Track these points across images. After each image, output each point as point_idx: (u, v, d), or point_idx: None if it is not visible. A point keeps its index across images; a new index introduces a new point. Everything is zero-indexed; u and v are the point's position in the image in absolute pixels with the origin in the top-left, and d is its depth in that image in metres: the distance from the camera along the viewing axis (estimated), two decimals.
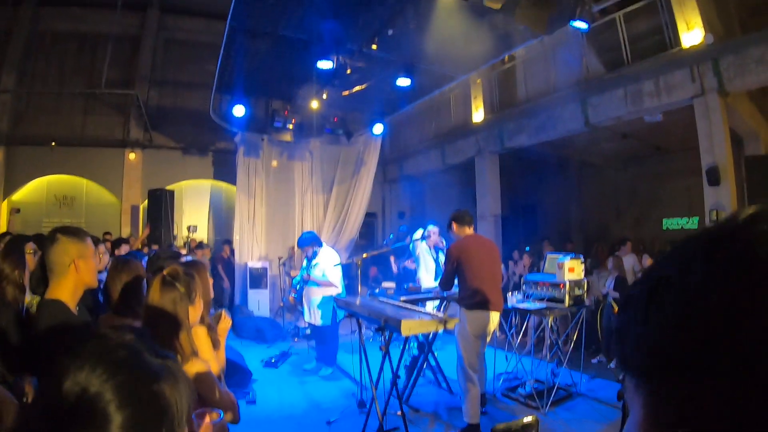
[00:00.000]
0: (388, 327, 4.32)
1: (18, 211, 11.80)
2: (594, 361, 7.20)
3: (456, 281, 5.00)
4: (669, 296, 0.51)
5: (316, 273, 6.72)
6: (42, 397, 0.85)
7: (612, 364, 6.95)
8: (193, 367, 2.12)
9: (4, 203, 12.77)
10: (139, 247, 8.92)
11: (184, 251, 8.41)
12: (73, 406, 0.81)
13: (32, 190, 13.36)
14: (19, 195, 13.16)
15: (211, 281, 3.02)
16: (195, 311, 2.25)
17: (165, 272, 2.23)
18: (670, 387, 0.49)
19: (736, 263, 0.47)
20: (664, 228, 13.55)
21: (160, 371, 0.90)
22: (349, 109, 11.07)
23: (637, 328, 0.53)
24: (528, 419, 0.93)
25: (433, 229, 6.91)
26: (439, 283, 4.88)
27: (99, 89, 12.64)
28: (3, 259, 2.92)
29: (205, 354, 2.66)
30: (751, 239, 0.48)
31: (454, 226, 5.08)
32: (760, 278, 0.45)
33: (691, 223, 12.79)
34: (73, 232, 2.42)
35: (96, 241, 5.71)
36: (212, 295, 2.96)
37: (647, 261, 7.26)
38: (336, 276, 6.74)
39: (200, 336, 2.62)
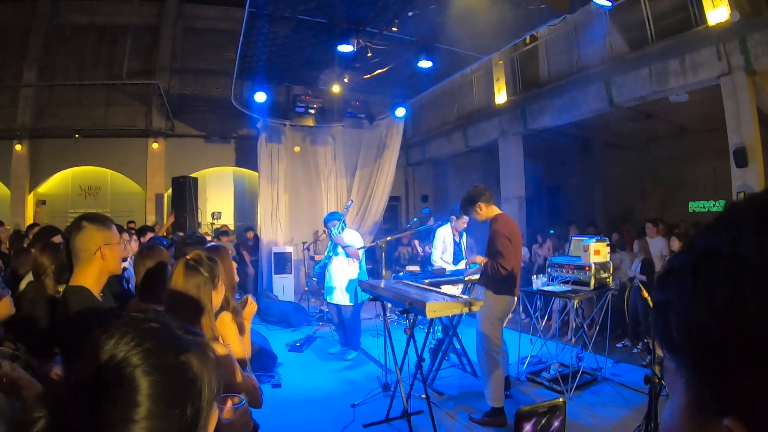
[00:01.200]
0: (412, 309, 4.29)
1: (44, 203, 12.04)
2: (619, 345, 7.13)
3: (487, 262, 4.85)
4: (719, 269, 0.47)
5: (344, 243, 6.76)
6: (71, 371, 0.85)
7: (637, 349, 6.87)
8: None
9: (30, 196, 13.03)
10: (164, 234, 9.02)
11: (209, 238, 8.49)
12: (101, 373, 0.82)
13: (57, 182, 13.61)
14: (45, 187, 13.41)
15: (234, 266, 3.03)
16: (217, 296, 2.26)
17: (188, 257, 2.23)
18: (719, 370, 0.46)
19: None
20: (690, 211, 13.33)
21: (189, 344, 0.90)
22: (370, 93, 11.01)
23: (683, 303, 0.50)
24: (555, 401, 0.91)
25: (464, 218, 6.82)
26: (502, 265, 4.67)
27: (120, 80, 12.77)
28: (41, 253, 2.99)
29: (231, 339, 2.69)
30: None
31: (482, 206, 4.91)
32: None
33: (717, 206, 12.56)
34: (99, 220, 2.44)
35: (120, 230, 5.81)
36: (236, 279, 2.97)
37: (675, 244, 7.12)
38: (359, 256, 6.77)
39: (226, 321, 2.64)
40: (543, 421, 0.89)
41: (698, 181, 13.00)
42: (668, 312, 0.52)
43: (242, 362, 2.76)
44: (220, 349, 2.15)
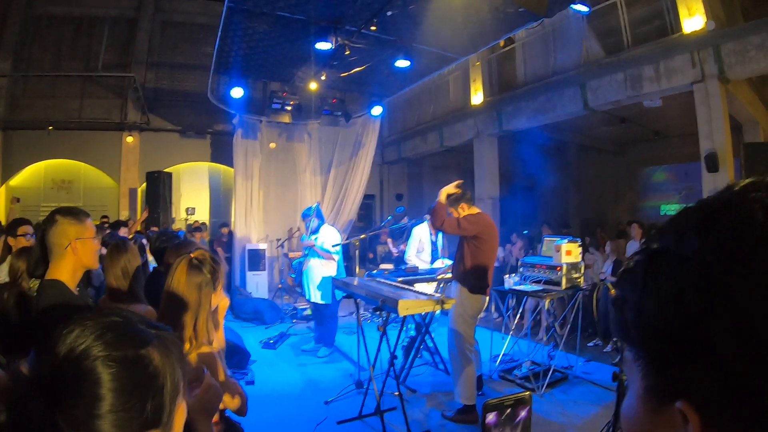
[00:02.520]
0: (385, 307, 4.33)
1: (18, 200, 11.79)
2: (590, 344, 7.25)
3: (462, 260, 4.91)
4: (665, 267, 0.51)
5: (318, 246, 6.75)
6: (34, 367, 0.84)
7: (608, 348, 6.99)
8: (199, 349, 2.11)
9: (2, 189, 12.76)
10: (139, 229, 8.92)
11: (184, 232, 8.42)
12: (60, 366, 0.82)
13: (30, 175, 13.33)
14: (17, 180, 13.14)
15: None
16: (216, 298, 2.20)
17: (192, 255, 2.18)
18: (668, 358, 0.50)
19: (731, 231, 0.47)
20: (662, 213, 13.58)
21: (150, 338, 0.90)
22: (347, 91, 11.02)
23: (635, 299, 0.54)
24: (521, 394, 0.94)
25: None
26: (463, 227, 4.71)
27: (96, 72, 12.56)
28: (17, 257, 2.96)
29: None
30: (746, 207, 0.48)
31: (464, 207, 4.94)
32: (756, 245, 0.45)
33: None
34: (73, 213, 2.41)
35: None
36: None
37: None
38: (335, 253, 6.78)
39: None
40: (508, 412, 0.92)
41: (671, 185, 13.26)
42: (624, 307, 0.56)
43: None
44: (203, 348, 2.14)
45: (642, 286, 0.53)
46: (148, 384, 0.86)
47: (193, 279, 2.09)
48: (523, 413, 0.93)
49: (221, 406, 2.17)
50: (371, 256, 11.01)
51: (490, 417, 0.90)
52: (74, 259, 2.33)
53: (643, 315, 0.52)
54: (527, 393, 0.92)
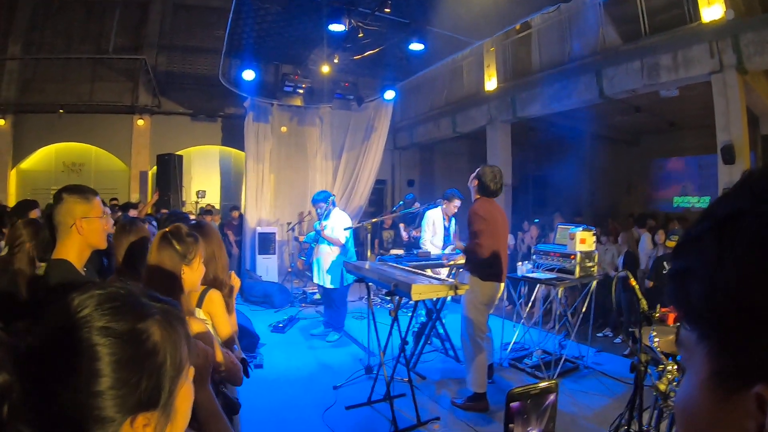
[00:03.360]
0: (398, 291, 4.27)
1: None
2: (600, 335, 7.18)
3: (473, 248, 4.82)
4: (745, 230, 0.44)
5: (327, 232, 6.70)
6: (28, 339, 0.78)
7: (619, 339, 6.92)
8: (193, 330, 2.08)
9: (13, 172, 12.81)
10: (149, 211, 8.91)
11: (192, 216, 8.40)
12: (55, 337, 0.77)
13: (40, 158, 13.40)
14: (28, 163, 13.20)
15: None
16: (192, 273, 2.19)
17: (167, 229, 2.19)
18: (747, 335, 0.43)
19: None
20: (675, 206, 13.48)
21: (152, 312, 0.84)
22: (360, 75, 10.92)
23: (706, 269, 0.46)
24: (549, 382, 0.87)
25: (456, 202, 6.78)
26: (479, 245, 4.63)
27: (107, 54, 12.53)
28: (23, 226, 2.91)
29: (220, 317, 2.67)
30: None
31: (476, 183, 4.85)
32: None
33: (702, 203, 12.70)
34: (79, 191, 2.38)
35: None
36: (226, 259, 2.93)
37: (660, 236, 7.15)
38: (344, 238, 6.73)
39: (214, 299, 2.63)
40: (534, 400, 0.86)
41: (685, 177, 13.13)
42: (688, 280, 0.49)
43: (231, 340, 2.75)
44: (198, 326, 2.11)
45: (715, 253, 0.46)
46: (146, 360, 0.80)
47: (164, 252, 2.10)
48: (548, 402, 0.87)
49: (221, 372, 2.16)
50: (376, 242, 10.96)
51: (515, 405, 0.83)
52: (80, 238, 2.30)
53: (717, 286, 0.45)
54: (554, 381, 0.86)
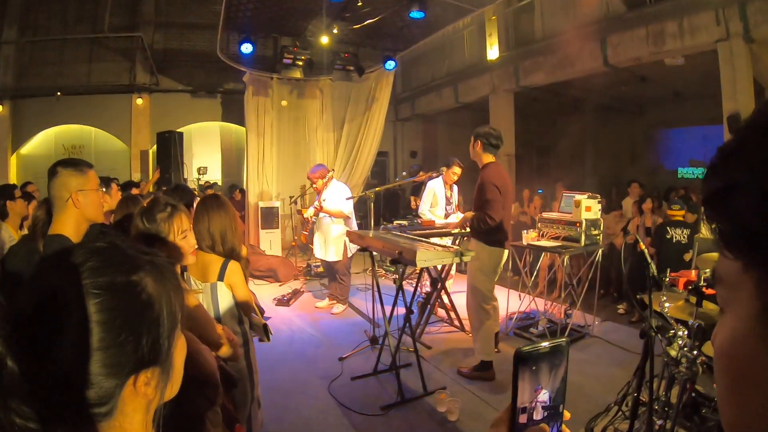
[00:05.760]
0: (402, 259, 4.20)
1: None
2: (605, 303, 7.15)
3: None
4: None
5: (327, 206, 6.65)
6: (12, 305, 0.71)
7: (623, 310, 6.87)
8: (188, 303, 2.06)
9: (13, 157, 12.76)
10: (151, 189, 8.87)
11: (196, 193, 8.37)
12: (42, 300, 0.70)
13: (40, 142, 13.30)
14: (28, 148, 13.13)
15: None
16: (180, 245, 2.17)
17: (144, 204, 2.18)
18: None
19: None
20: (679, 177, 13.42)
21: (143, 263, 0.78)
22: (360, 45, 10.80)
23: (759, 177, 0.40)
24: (558, 340, 0.82)
25: (455, 169, 6.67)
26: (490, 216, 4.54)
27: (103, 34, 12.36)
28: (38, 207, 2.91)
29: (241, 286, 2.71)
30: None
31: (479, 146, 4.72)
32: None
33: None
34: (74, 164, 2.34)
35: (108, 181, 5.72)
36: (242, 231, 2.95)
37: (647, 204, 7.16)
38: (348, 208, 6.67)
39: (235, 270, 2.71)
40: (543, 360, 0.81)
41: (689, 148, 13.02)
42: (733, 195, 0.42)
43: (250, 307, 2.81)
44: (191, 300, 2.09)
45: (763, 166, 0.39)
46: (143, 315, 0.75)
47: (137, 227, 2.12)
48: (558, 360, 0.82)
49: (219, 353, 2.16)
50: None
51: (523, 365, 0.78)
52: (77, 212, 2.27)
53: None
54: (564, 340, 0.81)
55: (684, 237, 6.19)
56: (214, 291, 2.72)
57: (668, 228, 6.37)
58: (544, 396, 0.81)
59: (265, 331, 2.86)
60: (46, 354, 0.68)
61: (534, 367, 0.78)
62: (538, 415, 0.81)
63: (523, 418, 0.80)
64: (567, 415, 0.83)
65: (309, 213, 6.99)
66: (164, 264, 0.83)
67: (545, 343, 0.80)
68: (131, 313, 0.74)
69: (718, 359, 0.48)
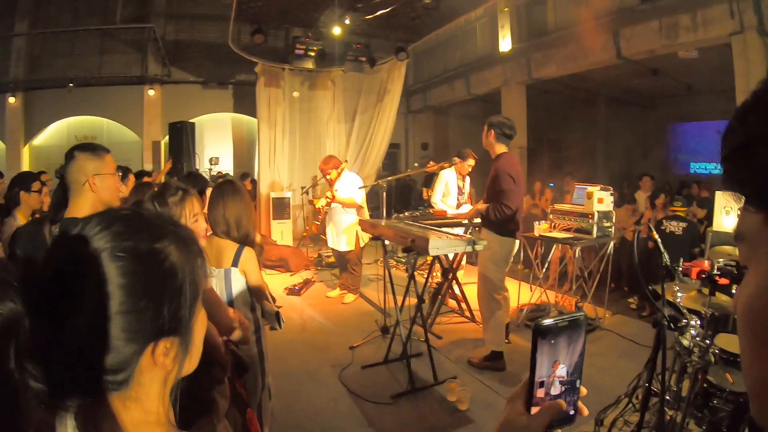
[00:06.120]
0: (415, 247, 4.20)
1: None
2: (616, 297, 7.12)
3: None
4: None
5: (339, 196, 6.66)
6: (34, 272, 0.70)
7: (634, 304, 6.83)
8: None
9: (26, 148, 12.86)
10: (163, 180, 8.92)
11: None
12: (65, 264, 0.70)
13: (53, 133, 13.39)
14: (40, 139, 13.23)
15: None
16: (197, 227, 2.16)
17: (154, 189, 2.16)
18: None
19: None
20: (692, 171, 13.32)
21: (167, 232, 0.78)
22: (372, 36, 10.75)
23: None
24: (576, 315, 0.82)
25: (470, 161, 6.66)
26: (506, 205, 4.53)
27: (114, 25, 12.40)
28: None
29: (255, 273, 2.74)
30: None
31: (492, 135, 4.70)
32: None
33: (719, 169, 12.50)
34: (91, 149, 2.36)
35: (126, 171, 5.77)
36: (256, 218, 2.95)
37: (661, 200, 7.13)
38: (360, 197, 6.67)
39: (249, 257, 2.74)
40: (562, 334, 0.81)
41: (701, 142, 12.93)
42: (755, 150, 0.42)
43: (264, 294, 2.85)
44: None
45: None
46: (165, 282, 0.75)
47: (150, 210, 2.06)
48: (576, 336, 0.82)
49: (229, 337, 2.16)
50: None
51: (542, 339, 0.79)
52: (93, 195, 2.28)
53: None
54: (581, 314, 0.81)
55: (679, 229, 6.19)
56: (228, 276, 2.73)
57: (664, 221, 6.37)
58: (561, 371, 0.81)
59: (277, 319, 2.87)
60: (66, 315, 0.68)
61: (552, 341, 0.79)
62: (555, 390, 0.81)
63: (540, 393, 0.80)
64: (584, 391, 0.83)
65: (321, 203, 7.00)
66: (189, 236, 0.82)
67: (564, 316, 0.80)
68: (154, 280, 0.74)
69: (741, 316, 0.47)
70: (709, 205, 6.62)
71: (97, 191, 2.29)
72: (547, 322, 0.79)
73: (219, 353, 1.57)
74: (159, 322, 0.73)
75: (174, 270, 0.76)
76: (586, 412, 0.83)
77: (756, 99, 0.44)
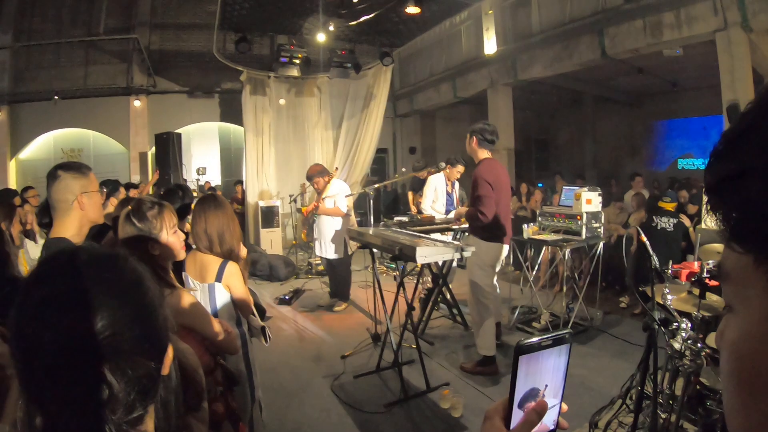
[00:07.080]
0: (402, 256, 4.17)
1: None
2: (607, 297, 7.12)
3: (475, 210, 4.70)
4: None
5: (324, 206, 6.63)
6: None
7: (624, 304, 6.84)
8: (184, 300, 2.06)
9: (13, 162, 12.73)
10: (150, 191, 8.85)
11: (195, 194, 8.34)
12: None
13: (39, 146, 13.25)
14: (27, 153, 13.10)
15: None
16: (169, 241, 2.14)
17: (129, 207, 2.14)
18: None
19: None
20: (679, 168, 13.42)
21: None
22: (357, 42, 10.75)
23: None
24: (561, 333, 0.79)
25: (459, 168, 6.66)
26: (481, 212, 4.55)
27: (98, 36, 12.33)
28: None
29: (239, 287, 2.68)
30: None
31: (475, 141, 4.77)
32: None
33: (705, 164, 12.62)
34: (75, 168, 2.34)
35: (116, 185, 5.73)
36: (240, 232, 2.91)
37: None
38: (344, 205, 6.65)
39: (233, 271, 2.68)
40: (543, 356, 0.78)
41: (687, 138, 13.02)
42: (745, 183, 0.38)
43: (249, 309, 2.80)
44: (188, 298, 2.08)
45: None
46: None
47: (127, 230, 2.08)
48: (560, 354, 0.79)
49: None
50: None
51: (525, 357, 0.76)
52: (81, 214, 2.28)
53: None
54: (567, 331, 0.78)
55: (669, 225, 6.19)
56: (212, 291, 2.69)
57: (654, 217, 6.37)
58: (545, 390, 0.78)
59: (263, 334, 2.84)
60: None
61: (534, 360, 0.76)
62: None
63: (518, 412, 0.78)
64: (564, 407, 0.80)
65: (308, 208, 6.99)
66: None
67: (548, 335, 0.77)
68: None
69: (726, 362, 0.44)
70: (698, 201, 6.64)
71: (85, 209, 2.27)
72: (530, 341, 0.76)
73: (195, 378, 1.52)
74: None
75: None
76: (566, 425, 0.80)
77: (747, 125, 0.40)
